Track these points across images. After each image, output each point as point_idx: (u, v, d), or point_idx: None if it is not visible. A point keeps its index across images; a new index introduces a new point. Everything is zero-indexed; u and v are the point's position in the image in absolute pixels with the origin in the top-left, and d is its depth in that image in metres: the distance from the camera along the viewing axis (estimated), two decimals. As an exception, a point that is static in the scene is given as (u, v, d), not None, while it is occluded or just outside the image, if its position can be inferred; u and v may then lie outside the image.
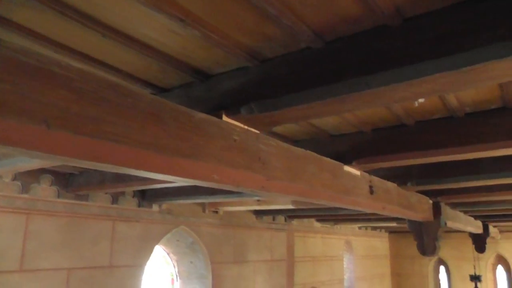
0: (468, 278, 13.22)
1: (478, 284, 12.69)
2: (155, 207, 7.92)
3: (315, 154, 3.68)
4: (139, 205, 7.62)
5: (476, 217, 11.77)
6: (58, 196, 6.30)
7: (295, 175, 3.32)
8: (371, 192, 4.79)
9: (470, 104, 3.68)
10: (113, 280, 7.14)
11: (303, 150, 3.49)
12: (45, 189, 6.14)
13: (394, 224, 13.07)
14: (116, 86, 1.98)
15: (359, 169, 4.46)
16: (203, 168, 2.47)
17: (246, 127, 2.77)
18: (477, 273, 12.83)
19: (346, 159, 4.22)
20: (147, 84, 3.08)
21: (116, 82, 2.01)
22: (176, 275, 9.34)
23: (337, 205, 4.51)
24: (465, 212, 10.23)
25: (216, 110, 2.62)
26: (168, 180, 2.61)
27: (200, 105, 2.58)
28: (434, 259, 19.04)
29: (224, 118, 2.62)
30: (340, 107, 2.72)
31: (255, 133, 2.86)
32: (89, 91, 1.89)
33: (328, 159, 3.91)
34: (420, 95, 2.69)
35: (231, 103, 2.68)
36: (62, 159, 2.07)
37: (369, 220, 12.58)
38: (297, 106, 2.55)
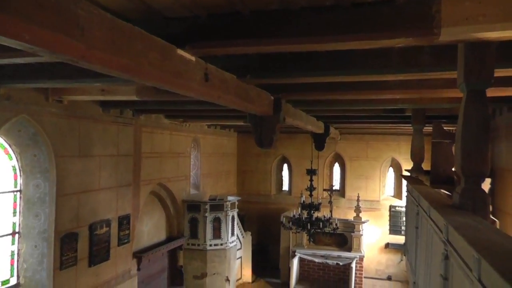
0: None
1: (314, 177, 13.83)
2: (-8, 92, 7.42)
3: (144, 32, 3.63)
4: (-27, 89, 7.10)
5: (318, 118, 12.65)
6: None
7: (120, 49, 3.29)
8: (206, 79, 4.88)
9: (305, -3, 3.81)
10: None
11: (130, 25, 3.42)
12: None
13: (241, 123, 13.58)
14: None
15: (193, 54, 4.49)
16: (10, 24, 2.34)
17: (62, -12, 2.66)
18: (314, 168, 13.93)
19: (180, 43, 4.21)
20: None
21: None
22: (19, 170, 9.02)
23: (167, 87, 4.54)
24: (308, 112, 10.90)
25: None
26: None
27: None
28: (277, 157, 20.43)
29: (34, -27, 2.48)
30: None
31: (73, -4, 2.75)
32: None
33: (159, 39, 3.89)
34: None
35: (40, -44, 2.53)
36: None
37: (217, 117, 12.92)
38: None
